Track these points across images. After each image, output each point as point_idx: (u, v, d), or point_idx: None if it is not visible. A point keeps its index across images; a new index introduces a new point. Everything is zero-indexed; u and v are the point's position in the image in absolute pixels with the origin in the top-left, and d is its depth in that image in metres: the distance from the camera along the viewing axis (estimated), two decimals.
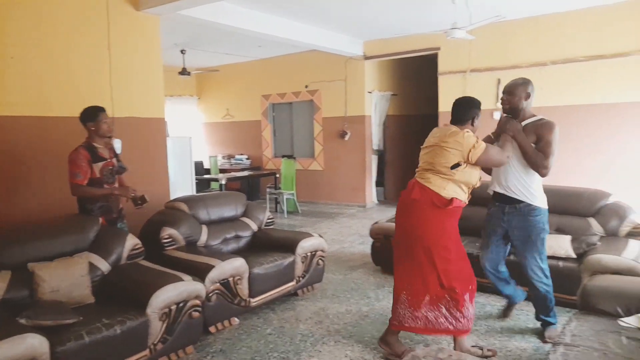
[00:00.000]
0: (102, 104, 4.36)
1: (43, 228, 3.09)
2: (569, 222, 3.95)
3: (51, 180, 4.01)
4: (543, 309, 3.08)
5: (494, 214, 3.12)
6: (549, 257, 3.60)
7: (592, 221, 3.89)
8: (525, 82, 2.95)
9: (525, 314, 3.49)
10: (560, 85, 6.17)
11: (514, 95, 2.93)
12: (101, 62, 4.38)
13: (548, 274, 3.03)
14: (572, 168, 6.13)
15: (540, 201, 2.98)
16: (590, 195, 4.00)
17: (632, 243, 3.56)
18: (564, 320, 3.21)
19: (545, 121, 2.91)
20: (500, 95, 3.11)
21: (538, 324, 3.21)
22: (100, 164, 3.43)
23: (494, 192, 3.10)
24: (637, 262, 3.21)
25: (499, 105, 6.48)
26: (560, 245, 3.62)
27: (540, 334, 3.14)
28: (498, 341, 3.11)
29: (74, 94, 4.20)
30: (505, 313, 3.49)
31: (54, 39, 4.06)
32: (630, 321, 2.40)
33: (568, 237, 3.70)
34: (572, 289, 3.15)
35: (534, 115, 2.97)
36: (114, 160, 3.58)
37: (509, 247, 3.21)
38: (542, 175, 2.90)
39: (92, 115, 3.42)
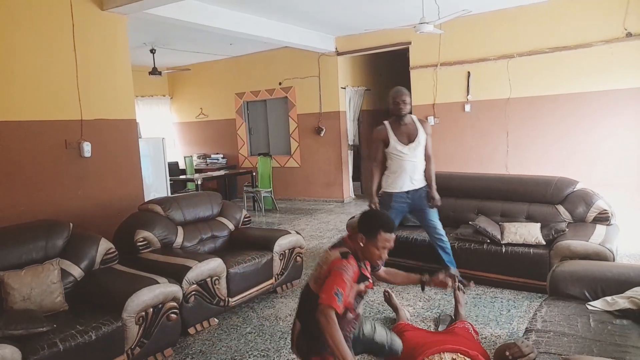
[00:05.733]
0: (71, 106, 4.30)
1: (10, 235, 2.99)
2: (538, 209, 4.07)
3: (11, 188, 3.90)
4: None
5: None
6: (520, 245, 3.74)
7: (560, 208, 4.01)
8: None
9: (499, 301, 3.59)
10: (527, 76, 6.31)
11: (408, 104, 3.76)
12: (68, 64, 4.26)
13: None
14: (540, 156, 6.32)
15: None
16: (558, 183, 4.12)
17: (599, 228, 3.70)
18: (535, 306, 3.30)
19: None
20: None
21: (512, 311, 3.35)
22: (361, 285, 2.29)
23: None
24: (604, 246, 3.33)
25: (470, 98, 6.72)
26: (530, 232, 3.72)
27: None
28: None
29: (40, 97, 4.08)
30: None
31: (17, 41, 3.93)
32: (597, 305, 2.48)
33: (537, 225, 3.81)
34: (542, 274, 3.25)
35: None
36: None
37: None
38: None
39: (371, 228, 2.27)
